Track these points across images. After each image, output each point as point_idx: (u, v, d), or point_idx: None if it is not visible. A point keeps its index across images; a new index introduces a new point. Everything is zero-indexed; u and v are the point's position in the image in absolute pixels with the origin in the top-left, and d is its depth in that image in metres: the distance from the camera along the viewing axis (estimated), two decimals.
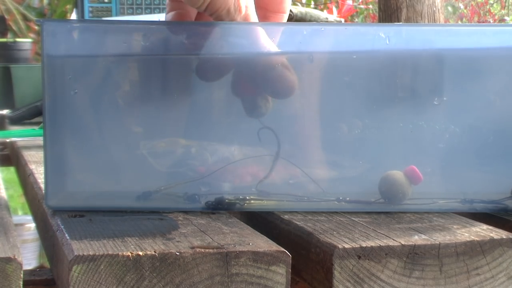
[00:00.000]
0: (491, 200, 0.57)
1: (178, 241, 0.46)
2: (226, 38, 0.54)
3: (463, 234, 0.50)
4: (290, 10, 1.69)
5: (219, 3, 0.53)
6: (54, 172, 0.55)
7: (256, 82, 0.55)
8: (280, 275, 0.45)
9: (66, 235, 0.48)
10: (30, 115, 1.34)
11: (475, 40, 0.57)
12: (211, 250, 0.44)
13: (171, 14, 0.58)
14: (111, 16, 1.94)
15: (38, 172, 0.73)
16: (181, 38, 0.54)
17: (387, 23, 2.26)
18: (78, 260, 0.43)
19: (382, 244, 0.47)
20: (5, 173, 1.10)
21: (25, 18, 4.52)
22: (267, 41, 0.54)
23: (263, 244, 0.46)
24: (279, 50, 0.54)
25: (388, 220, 0.54)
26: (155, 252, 0.44)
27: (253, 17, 0.55)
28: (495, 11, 6.61)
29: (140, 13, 1.94)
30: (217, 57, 0.54)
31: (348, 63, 0.56)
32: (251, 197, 0.56)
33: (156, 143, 0.56)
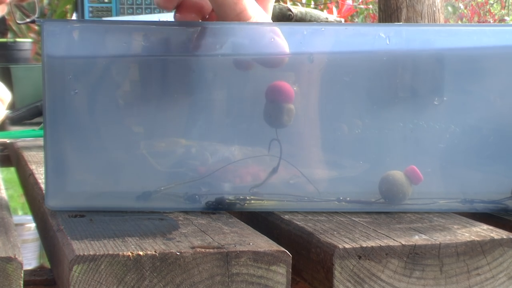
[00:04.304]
0: (491, 200, 0.57)
1: (178, 241, 0.46)
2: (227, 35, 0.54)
3: (463, 234, 0.50)
4: (290, 10, 1.69)
5: None
6: (55, 172, 0.55)
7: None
8: (280, 275, 0.45)
9: (67, 235, 0.48)
10: (30, 115, 1.34)
11: (475, 40, 0.57)
12: (211, 250, 0.44)
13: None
14: (111, 16, 1.94)
15: (39, 173, 0.73)
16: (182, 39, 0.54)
17: (387, 23, 2.26)
18: (79, 260, 0.43)
19: (382, 244, 0.47)
20: (5, 173, 1.09)
21: None
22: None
23: (264, 244, 0.46)
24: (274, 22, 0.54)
25: (389, 220, 0.54)
26: (155, 252, 0.44)
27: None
28: (495, 11, 6.61)
29: (140, 13, 1.94)
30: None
31: (348, 63, 0.56)
32: (252, 197, 0.56)
33: (156, 143, 0.56)
